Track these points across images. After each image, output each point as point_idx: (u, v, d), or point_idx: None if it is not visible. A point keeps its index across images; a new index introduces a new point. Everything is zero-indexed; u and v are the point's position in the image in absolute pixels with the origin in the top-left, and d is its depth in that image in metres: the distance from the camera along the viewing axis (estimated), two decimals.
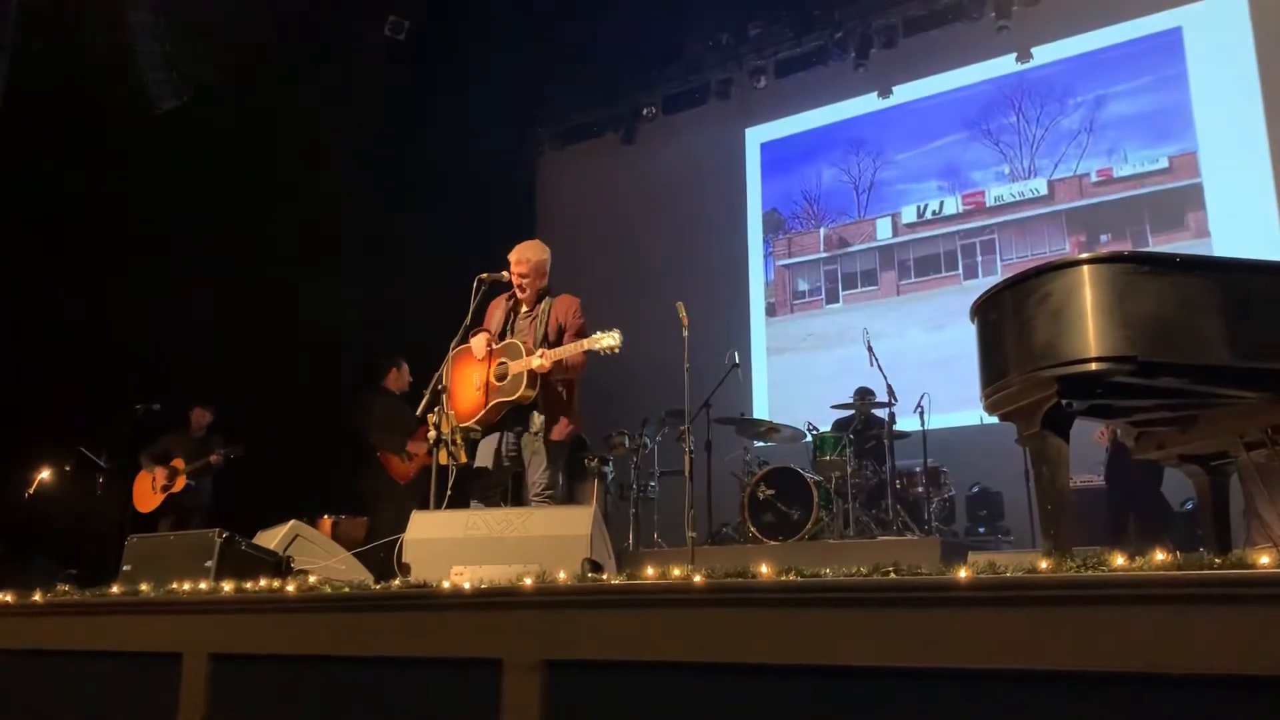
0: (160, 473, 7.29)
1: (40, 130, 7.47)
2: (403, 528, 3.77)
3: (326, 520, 7.09)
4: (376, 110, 9.02)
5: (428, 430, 6.46)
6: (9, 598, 3.69)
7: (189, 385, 7.69)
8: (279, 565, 3.86)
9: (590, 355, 4.61)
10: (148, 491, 7.30)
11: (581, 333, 4.67)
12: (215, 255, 8.10)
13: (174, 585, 3.33)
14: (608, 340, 4.48)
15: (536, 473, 4.58)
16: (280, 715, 2.94)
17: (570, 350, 4.54)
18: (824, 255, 9.93)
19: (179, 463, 7.33)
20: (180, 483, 7.26)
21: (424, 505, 7.14)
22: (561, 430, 4.62)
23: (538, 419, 4.57)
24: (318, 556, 4.20)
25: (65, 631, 3.54)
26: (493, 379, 4.59)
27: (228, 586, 3.18)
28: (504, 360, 4.60)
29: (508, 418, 4.63)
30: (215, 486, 7.52)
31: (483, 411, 4.57)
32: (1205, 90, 8.30)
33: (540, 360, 4.48)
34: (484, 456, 4.67)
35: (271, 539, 4.18)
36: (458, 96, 9.46)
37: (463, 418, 4.59)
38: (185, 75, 7.98)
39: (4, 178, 7.33)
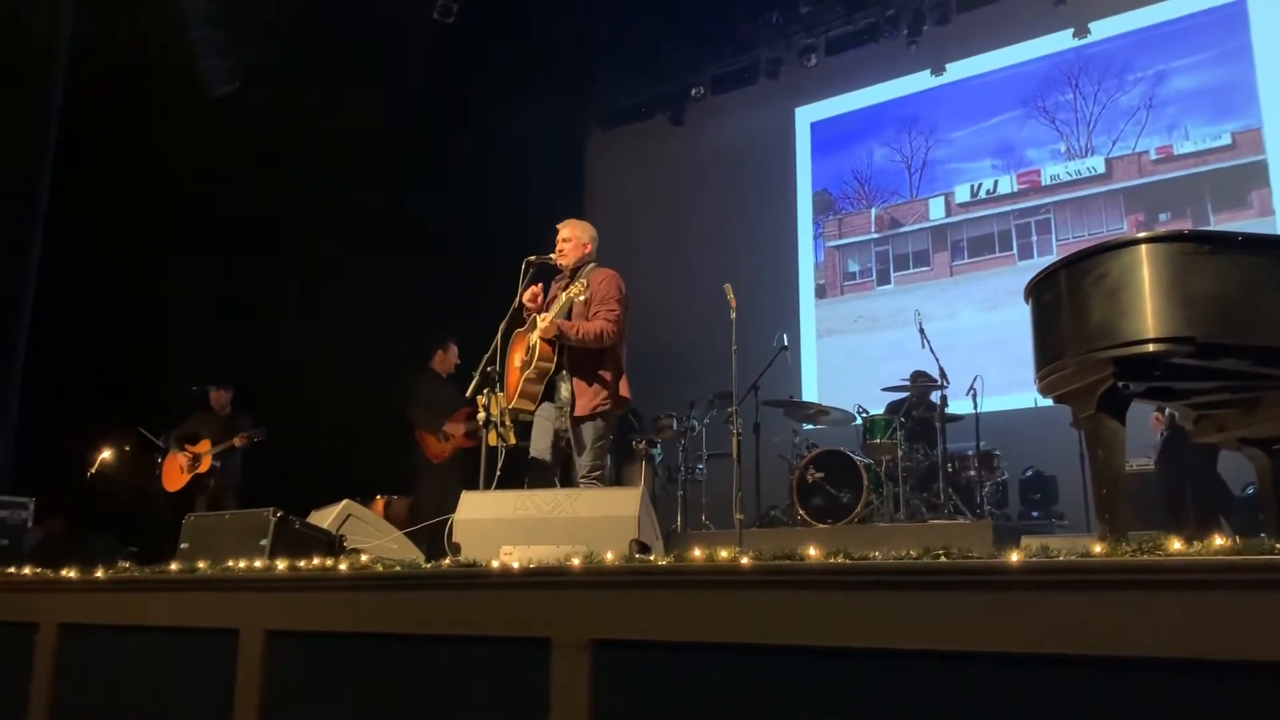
0: (187, 453, 7.41)
1: (99, 117, 7.62)
2: (440, 508, 3.80)
3: (380, 500, 7.19)
4: (425, 94, 9.07)
5: (472, 413, 6.55)
6: (73, 574, 3.79)
7: (245, 367, 7.82)
8: (332, 544, 3.91)
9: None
10: (176, 472, 7.43)
11: (611, 307, 4.60)
12: (270, 239, 8.21)
13: (230, 563, 3.40)
14: (576, 288, 4.49)
15: (578, 449, 4.57)
16: (334, 691, 2.99)
17: (563, 309, 4.50)
18: (875, 236, 9.83)
19: (205, 444, 7.44)
20: (206, 463, 7.37)
21: (462, 485, 7.24)
22: (586, 405, 4.53)
23: (564, 390, 4.53)
24: (370, 536, 4.26)
25: (127, 607, 3.62)
26: (525, 355, 4.60)
27: (282, 565, 3.23)
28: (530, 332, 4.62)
29: (550, 388, 4.60)
30: (245, 466, 7.62)
31: (519, 388, 4.56)
32: (1271, 63, 8.06)
33: (542, 324, 4.46)
34: (538, 443, 4.68)
35: (325, 518, 4.24)
36: (506, 79, 9.48)
37: (512, 398, 4.60)
38: (238, 61, 8.08)
39: (65, 165, 7.50)
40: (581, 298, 4.56)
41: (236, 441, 7.36)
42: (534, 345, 4.51)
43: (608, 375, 4.61)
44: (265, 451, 7.52)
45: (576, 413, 4.53)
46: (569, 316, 4.61)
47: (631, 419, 7.88)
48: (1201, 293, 2.70)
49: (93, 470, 7.45)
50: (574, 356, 4.57)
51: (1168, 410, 6.37)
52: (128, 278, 7.80)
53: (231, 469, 7.54)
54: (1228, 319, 2.69)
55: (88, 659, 3.66)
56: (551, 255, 4.82)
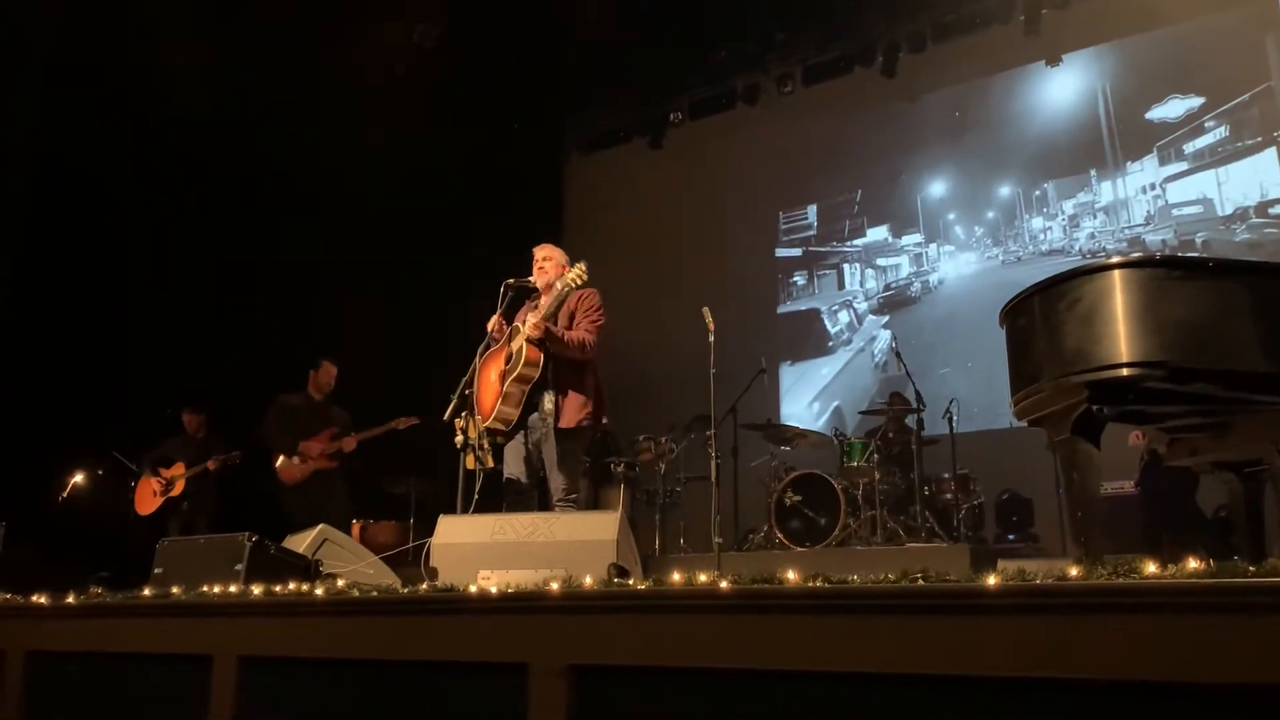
0: (160, 477, 7.33)
1: (73, 141, 7.58)
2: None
3: (355, 524, 7.14)
4: (404, 118, 9.07)
5: (336, 433, 6.55)
6: (43, 599, 3.74)
7: (219, 390, 7.75)
8: (307, 569, 3.88)
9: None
10: (148, 496, 7.34)
11: (593, 319, 4.65)
12: (247, 262, 8.16)
13: (204, 588, 3.36)
14: (573, 274, 4.54)
15: (552, 469, 4.56)
16: (308, 718, 2.96)
17: (551, 306, 4.53)
18: (853, 261, 9.89)
19: (178, 468, 7.37)
20: (179, 487, 7.29)
21: (316, 512, 7.27)
22: (571, 417, 4.57)
23: (548, 401, 4.54)
24: (346, 560, 4.23)
25: (98, 633, 3.57)
26: (504, 365, 4.60)
27: (257, 590, 3.20)
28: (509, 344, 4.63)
29: (527, 411, 4.61)
30: (219, 489, 7.54)
31: (500, 398, 4.54)
32: None
33: (530, 326, 4.47)
34: (512, 465, 4.68)
35: (300, 543, 4.21)
36: (485, 103, 9.49)
37: (488, 414, 4.57)
38: (219, 81, 8.05)
39: (39, 186, 7.46)
40: (566, 290, 4.59)
41: (210, 465, 7.28)
42: (519, 350, 4.51)
43: (591, 389, 4.68)
44: (241, 475, 7.44)
45: (561, 424, 4.55)
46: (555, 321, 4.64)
47: (609, 442, 7.87)
48: (1174, 318, 2.74)
49: (65, 494, 7.36)
50: (558, 371, 4.59)
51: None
52: (102, 300, 7.74)
53: (205, 493, 7.44)
54: (1200, 344, 2.72)
55: (56, 687, 3.61)
56: (530, 278, 4.84)
